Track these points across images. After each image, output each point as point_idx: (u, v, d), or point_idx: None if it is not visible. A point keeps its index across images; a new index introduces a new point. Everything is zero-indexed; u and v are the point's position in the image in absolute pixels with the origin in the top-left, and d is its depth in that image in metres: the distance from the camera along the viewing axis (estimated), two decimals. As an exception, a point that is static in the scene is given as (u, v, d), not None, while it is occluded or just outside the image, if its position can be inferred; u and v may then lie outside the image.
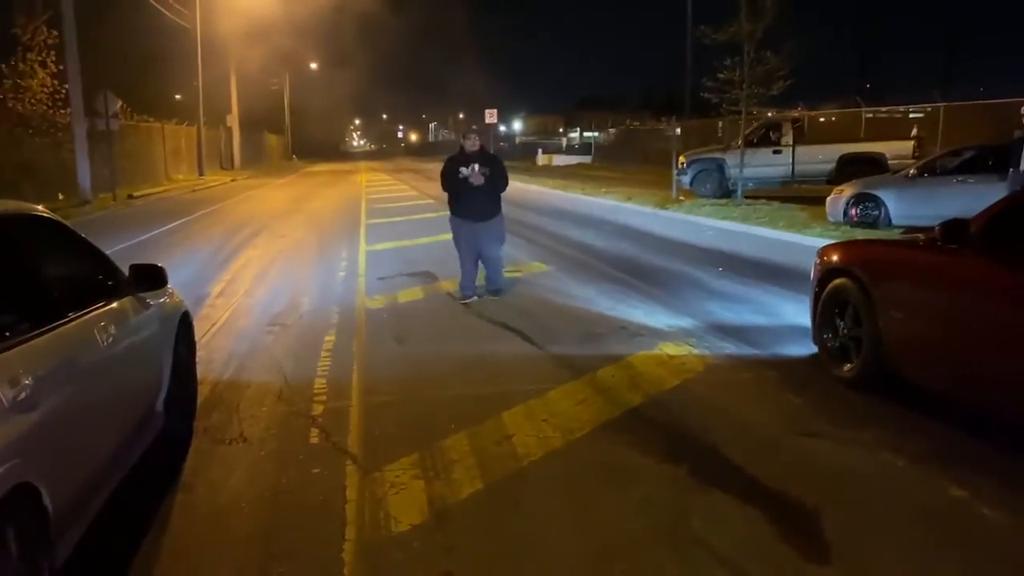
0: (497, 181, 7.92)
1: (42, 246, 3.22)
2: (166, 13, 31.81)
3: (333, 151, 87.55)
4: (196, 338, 6.57)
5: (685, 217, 15.43)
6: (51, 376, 2.59)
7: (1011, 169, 9.35)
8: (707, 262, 10.29)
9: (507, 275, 9.30)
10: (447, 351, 6.14)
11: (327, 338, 6.59)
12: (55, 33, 21.03)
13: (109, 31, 30.51)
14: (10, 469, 2.15)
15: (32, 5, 21.03)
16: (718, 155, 18.82)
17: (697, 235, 13.00)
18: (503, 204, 8.29)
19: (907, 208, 11.91)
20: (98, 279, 3.72)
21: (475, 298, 7.85)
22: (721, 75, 16.34)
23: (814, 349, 5.64)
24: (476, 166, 7.74)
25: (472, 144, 7.95)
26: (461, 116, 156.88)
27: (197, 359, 5.11)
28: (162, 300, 4.44)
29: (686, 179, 18.96)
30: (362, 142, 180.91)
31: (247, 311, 7.72)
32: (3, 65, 20.50)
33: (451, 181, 7.93)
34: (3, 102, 19.98)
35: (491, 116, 38.45)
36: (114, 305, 3.55)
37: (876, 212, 12.17)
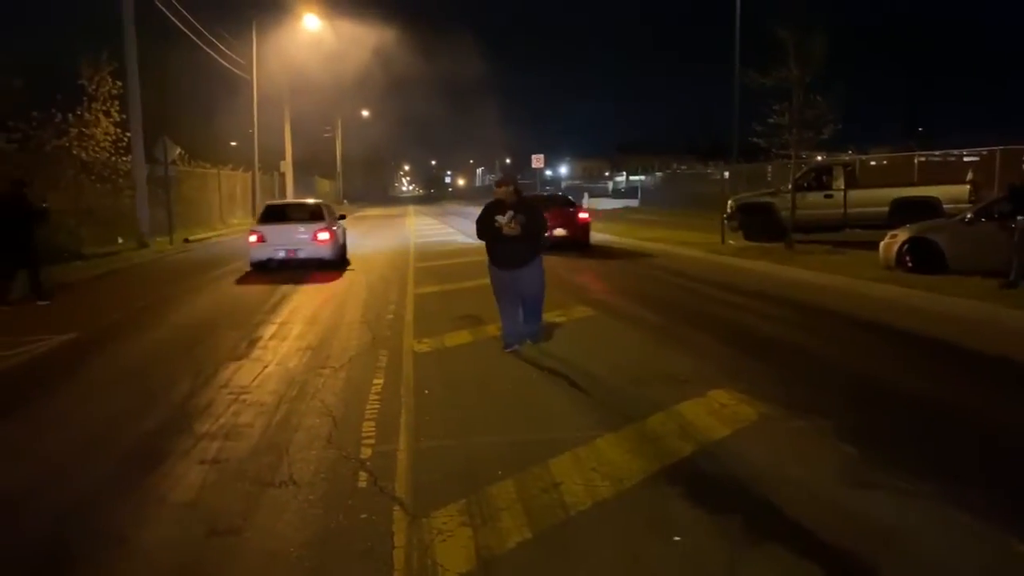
0: (533, 230, 7.56)
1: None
2: (224, 63, 32.87)
3: (383, 196, 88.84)
4: (248, 381, 6.75)
5: (734, 262, 15.29)
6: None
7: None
8: (757, 309, 10.17)
9: (551, 319, 9.32)
10: (493, 396, 6.14)
11: (375, 381, 6.64)
12: (119, 84, 21.87)
13: (170, 81, 31.73)
14: None
15: (98, 57, 21.89)
16: (768, 199, 18.69)
17: (747, 280, 12.86)
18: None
19: (964, 253, 11.65)
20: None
21: (517, 347, 7.72)
22: (770, 119, 16.28)
23: (868, 397, 5.51)
24: (511, 214, 7.44)
25: (502, 193, 7.63)
26: (508, 161, 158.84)
27: (249, 400, 5.16)
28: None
29: (735, 224, 18.83)
30: (411, 187, 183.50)
31: (297, 353, 7.82)
32: (69, 114, 21.32)
33: (486, 229, 7.63)
34: (68, 149, 20.73)
35: (537, 161, 38.82)
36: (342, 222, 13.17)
37: (932, 257, 11.91)
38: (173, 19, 25.18)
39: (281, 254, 14.72)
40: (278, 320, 9.80)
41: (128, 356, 8.02)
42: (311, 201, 17.94)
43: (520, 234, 7.39)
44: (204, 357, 7.78)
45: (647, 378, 6.55)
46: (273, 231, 14.84)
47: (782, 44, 15.63)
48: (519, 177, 7.95)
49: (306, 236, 14.78)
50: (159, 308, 11.04)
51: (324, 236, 14.82)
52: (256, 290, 12.60)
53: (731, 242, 18.13)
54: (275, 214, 15.86)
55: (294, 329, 9.16)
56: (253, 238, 14.81)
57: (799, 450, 4.82)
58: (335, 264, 15.33)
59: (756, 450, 4.80)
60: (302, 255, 14.73)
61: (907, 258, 12.21)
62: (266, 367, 7.28)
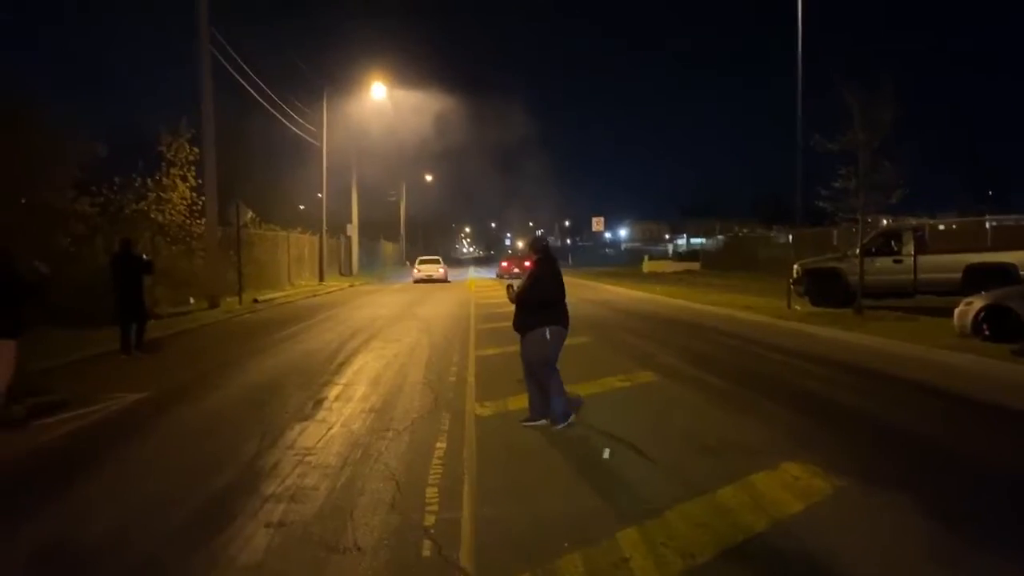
0: (520, 297, 7.19)
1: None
2: (296, 130, 34.07)
3: (445, 257, 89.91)
4: (314, 442, 6.77)
5: (801, 328, 14.95)
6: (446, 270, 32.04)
7: None
8: (827, 376, 9.88)
9: (617, 384, 9.21)
10: (558, 462, 6.04)
11: (438, 445, 6.60)
12: (195, 150, 22.81)
13: (243, 146, 32.99)
14: None
15: (177, 125, 22.92)
16: (835, 264, 18.32)
17: (815, 347, 12.53)
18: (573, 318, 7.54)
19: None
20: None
21: (533, 423, 7.16)
22: (836, 184, 16.06)
23: (949, 471, 5.25)
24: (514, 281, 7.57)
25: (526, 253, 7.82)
26: (567, 224, 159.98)
27: (314, 462, 5.19)
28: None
29: (801, 289, 18.49)
30: (471, 248, 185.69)
31: (361, 415, 7.85)
32: (149, 179, 22.25)
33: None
34: (146, 212, 21.57)
35: (597, 224, 38.98)
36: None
37: (1010, 325, 11.45)
38: (250, 89, 26.27)
39: (423, 277, 37.40)
40: (343, 381, 9.89)
41: (197, 416, 8.15)
42: (436, 256, 42.83)
43: (514, 300, 7.27)
44: (271, 417, 7.86)
45: (716, 447, 6.38)
46: (422, 267, 38.18)
47: (848, 108, 15.53)
48: (547, 239, 7.58)
49: (436, 268, 38.04)
50: (228, 368, 11.25)
51: (442, 270, 38.32)
52: (322, 351, 12.77)
53: (797, 307, 17.78)
54: (423, 261, 39.82)
55: (358, 390, 9.22)
56: (415, 271, 38.43)
57: (877, 526, 4.60)
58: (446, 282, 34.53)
59: (832, 526, 4.60)
60: (435, 278, 37.03)
61: (984, 326, 11.76)
62: (331, 428, 7.32)
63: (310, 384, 9.65)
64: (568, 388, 8.76)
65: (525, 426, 7.17)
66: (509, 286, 7.40)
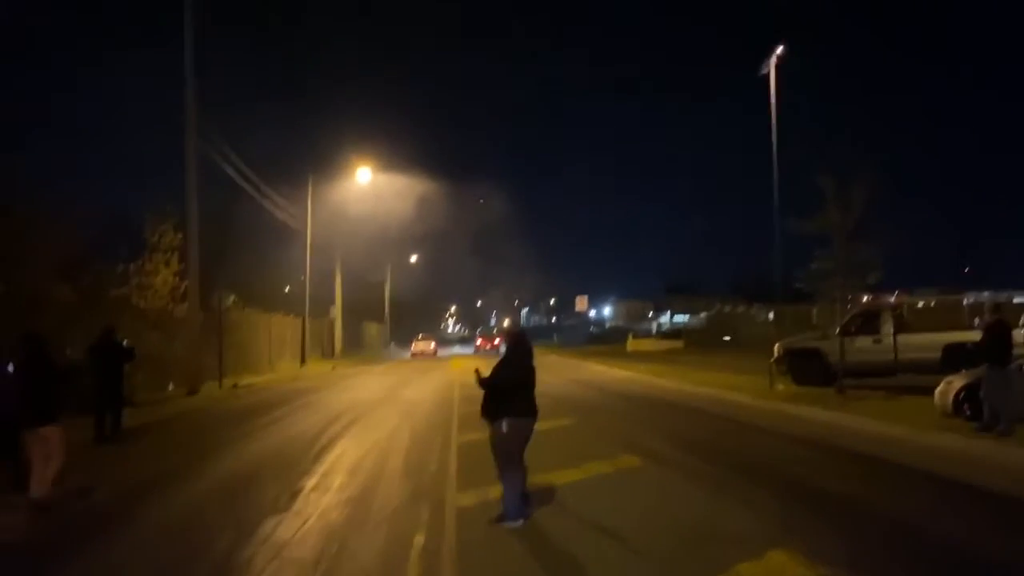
0: (484, 382, 6.93)
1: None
2: (280, 216, 34.30)
3: (415, 339, 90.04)
4: (289, 535, 6.59)
5: (784, 408, 14.90)
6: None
7: None
8: (811, 460, 9.81)
9: (602, 470, 9.09)
10: (541, 553, 5.91)
11: (416, 538, 6.44)
12: (180, 235, 22.88)
13: (227, 229, 33.12)
14: None
15: (162, 210, 23.05)
16: (815, 343, 18.39)
17: (799, 428, 12.47)
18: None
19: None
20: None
21: (506, 523, 6.70)
22: (813, 265, 16.27)
23: (935, 557, 5.16)
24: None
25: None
26: (552, 302, 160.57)
27: (289, 558, 5.02)
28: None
29: (783, 368, 18.52)
30: (457, 327, 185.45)
31: (339, 507, 7.67)
32: (131, 264, 22.26)
33: None
34: (127, 298, 21.48)
35: (581, 303, 39.15)
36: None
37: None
38: (235, 177, 26.56)
39: (419, 351, 52.33)
40: (320, 470, 9.70)
41: (170, 510, 7.93)
42: (429, 336, 58.45)
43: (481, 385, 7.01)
44: (246, 510, 7.66)
45: (702, 536, 6.26)
46: (418, 344, 53.55)
47: (822, 190, 15.86)
48: (520, 327, 7.32)
49: (429, 345, 53.85)
50: (203, 458, 11.00)
51: (433, 346, 54.44)
52: (301, 438, 12.56)
53: (780, 387, 17.77)
54: (419, 340, 54.80)
55: (336, 480, 9.04)
56: (412, 347, 54.23)
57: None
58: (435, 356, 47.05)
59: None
60: (427, 352, 51.17)
61: (964, 405, 11.76)
62: (307, 521, 7.13)
63: (287, 474, 9.46)
64: (551, 474, 8.69)
65: (498, 526, 6.69)
66: (476, 370, 7.20)
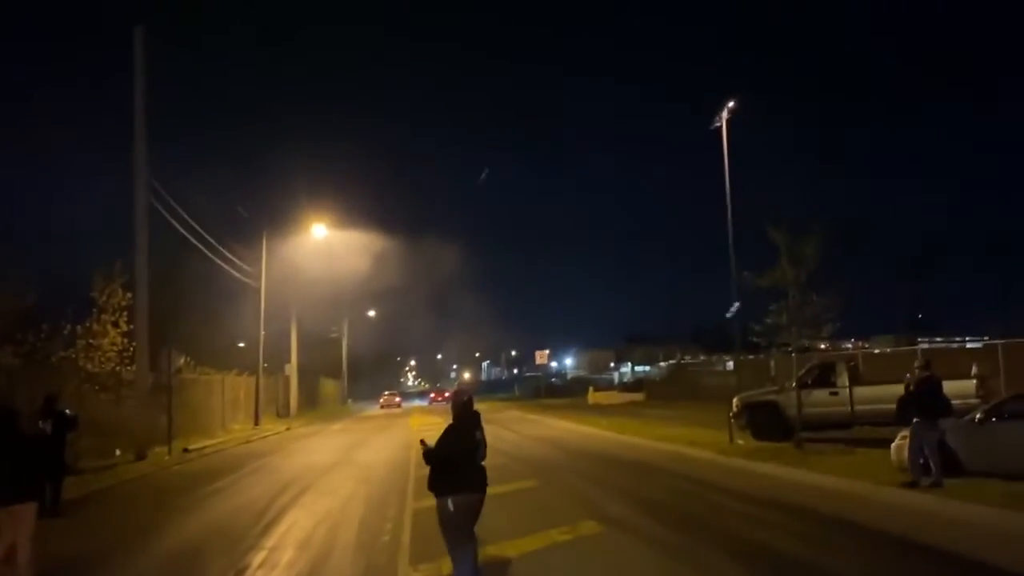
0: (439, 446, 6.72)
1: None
2: (234, 273, 33.82)
3: (383, 394, 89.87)
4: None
5: (745, 465, 14.83)
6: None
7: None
8: (774, 522, 9.69)
9: (559, 538, 8.91)
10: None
11: (366, 623, 6.18)
12: (128, 295, 22.34)
13: (178, 287, 32.54)
14: None
15: (110, 269, 22.54)
16: (772, 397, 18.47)
17: (759, 487, 12.35)
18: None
19: (980, 454, 11.30)
20: None
21: None
22: (768, 319, 16.41)
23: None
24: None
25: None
26: (514, 354, 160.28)
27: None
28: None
29: (742, 422, 18.53)
30: (417, 381, 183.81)
31: (286, 588, 7.36)
32: (79, 326, 21.65)
33: None
34: (74, 361, 20.85)
35: (541, 357, 39.08)
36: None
37: (946, 459, 11.51)
38: (186, 234, 26.16)
39: (385, 403, 61.80)
40: (268, 544, 9.34)
41: (106, 593, 7.54)
42: (395, 391, 70.43)
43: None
44: (186, 594, 7.33)
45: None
46: (385, 398, 63.44)
47: (775, 245, 16.07)
48: (468, 394, 6.98)
49: (394, 399, 63.92)
50: (146, 533, 10.53)
51: (398, 399, 65.46)
52: (249, 508, 12.13)
53: (740, 442, 17.74)
54: (386, 395, 65.35)
55: (285, 555, 8.70)
56: (381, 400, 63.66)
57: None
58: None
59: None
60: (393, 404, 61.29)
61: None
62: (251, 606, 6.82)
63: (233, 549, 9.08)
64: (507, 544, 8.48)
65: None
66: (422, 441, 6.94)
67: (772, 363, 29.78)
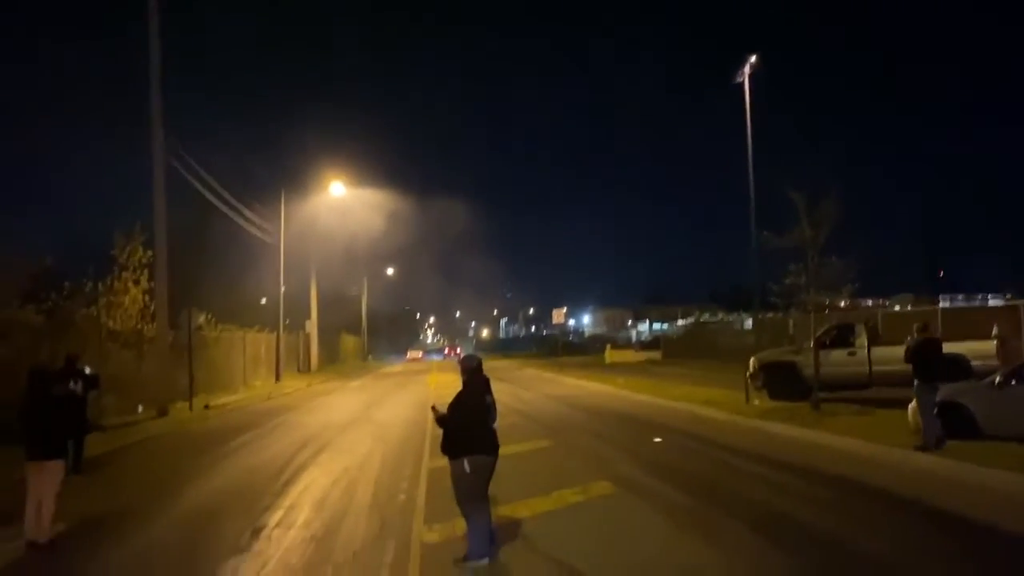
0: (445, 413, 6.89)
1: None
2: (253, 231, 33.90)
3: (408, 350, 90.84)
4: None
5: (760, 425, 14.81)
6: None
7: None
8: (788, 485, 9.65)
9: (572, 499, 8.93)
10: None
11: (380, 582, 6.23)
12: (149, 253, 22.45)
13: (199, 245, 32.71)
14: None
15: (131, 228, 22.65)
16: (791, 357, 18.33)
17: (774, 448, 12.32)
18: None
19: (998, 418, 11.17)
20: None
21: (486, 561, 6.58)
22: (787, 280, 16.23)
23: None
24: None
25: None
26: (531, 311, 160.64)
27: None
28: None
29: (759, 383, 18.45)
30: (436, 338, 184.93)
31: (301, 545, 7.43)
32: (100, 283, 21.80)
33: None
34: (96, 318, 21.04)
35: (558, 316, 38.98)
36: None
37: (963, 422, 11.41)
38: (204, 192, 26.19)
39: (412, 358, 77.80)
40: (285, 503, 9.43)
41: (124, 552, 7.63)
42: (419, 348, 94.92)
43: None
44: (204, 551, 7.42)
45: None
46: (411, 353, 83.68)
47: (794, 205, 15.82)
48: (477, 359, 7.05)
49: (419, 354, 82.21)
50: (166, 491, 10.67)
51: (421, 354, 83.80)
52: (268, 466, 12.26)
53: (756, 402, 17.69)
54: (412, 349, 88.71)
55: (301, 515, 8.78)
56: (408, 355, 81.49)
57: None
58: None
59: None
60: (419, 358, 78.03)
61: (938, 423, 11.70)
62: (267, 564, 6.89)
63: (251, 508, 9.18)
64: (520, 504, 8.52)
65: (462, 565, 6.55)
66: (433, 407, 7.03)
67: (791, 322, 29.56)
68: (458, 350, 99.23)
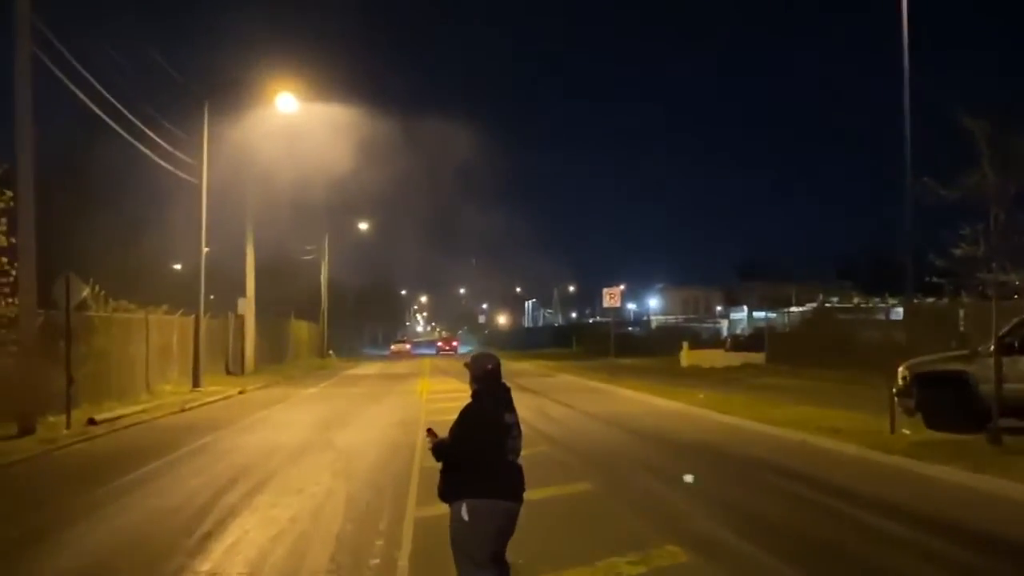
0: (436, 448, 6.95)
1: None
2: (163, 163, 33.90)
3: (392, 339, 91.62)
4: None
5: (911, 467, 14.71)
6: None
7: None
8: (956, 564, 9.56)
9: (625, 568, 8.92)
10: None
11: None
12: (8, 194, 22.53)
13: (84, 187, 32.93)
14: None
15: (-18, 159, 22.72)
16: (960, 366, 18.17)
17: (934, 504, 12.22)
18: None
19: None
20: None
21: None
22: (957, 249, 16.03)
23: None
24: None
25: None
26: (571, 290, 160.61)
27: None
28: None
29: (910, 403, 18.30)
30: (430, 326, 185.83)
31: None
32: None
33: None
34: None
35: (611, 298, 38.83)
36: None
37: None
38: (90, 104, 26.21)
39: (395, 351, 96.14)
40: (205, 566, 9.50)
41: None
42: (404, 340, 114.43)
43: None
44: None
45: None
46: (395, 347, 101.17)
47: (971, 139, 15.60)
48: (493, 360, 6.87)
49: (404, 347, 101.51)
50: (23, 549, 10.77)
51: (408, 347, 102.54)
52: (180, 512, 12.35)
53: (905, 431, 17.58)
54: (396, 342, 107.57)
55: (223, 590, 8.86)
56: (392, 347, 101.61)
57: None
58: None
59: None
60: (403, 352, 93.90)
61: None
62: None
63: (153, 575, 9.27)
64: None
65: None
66: (429, 430, 7.00)
67: (960, 313, 29.36)
68: (455, 343, 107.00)
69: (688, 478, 13.78)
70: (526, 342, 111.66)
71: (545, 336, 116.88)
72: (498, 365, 7.01)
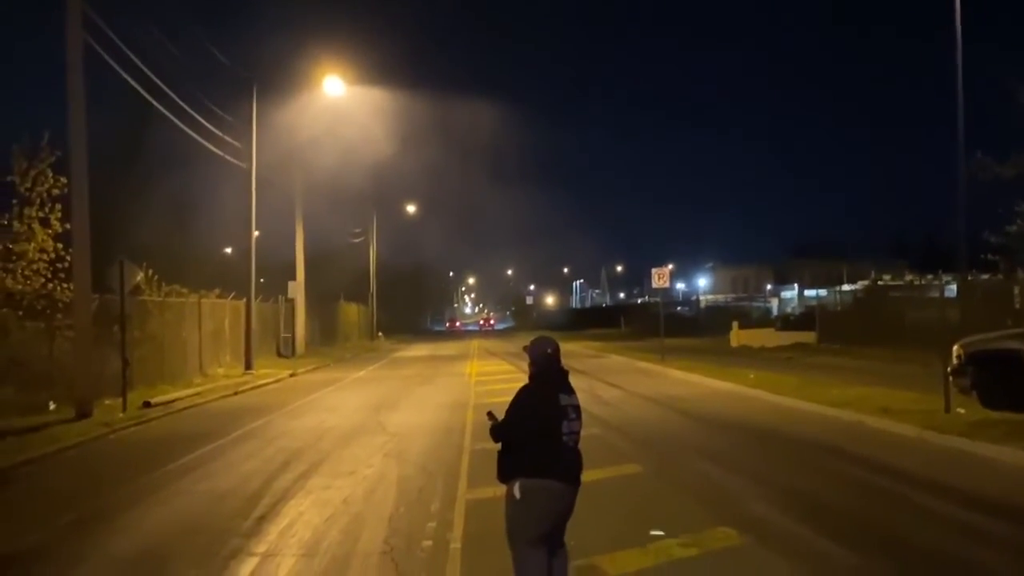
0: (496, 428, 6.99)
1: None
2: (212, 148, 34.08)
3: (441, 319, 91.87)
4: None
5: (966, 448, 14.54)
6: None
7: None
8: (1013, 544, 9.47)
9: (678, 553, 8.92)
10: None
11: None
12: (62, 180, 22.72)
13: (137, 173, 33.20)
14: None
15: (35, 146, 22.87)
16: (1016, 344, 17.94)
17: (992, 485, 12.07)
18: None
19: None
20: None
21: None
22: (1013, 227, 15.86)
23: None
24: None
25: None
26: (619, 270, 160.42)
27: None
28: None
29: (965, 382, 18.09)
30: (478, 307, 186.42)
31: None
32: (-7, 224, 22.25)
33: None
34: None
35: (660, 278, 38.63)
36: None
37: None
38: (142, 92, 26.40)
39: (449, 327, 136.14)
40: (261, 548, 9.61)
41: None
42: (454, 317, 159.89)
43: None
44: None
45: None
46: (450, 322, 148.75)
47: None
48: (552, 344, 6.87)
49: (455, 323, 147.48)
50: (85, 529, 10.93)
51: (460, 323, 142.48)
52: (235, 494, 12.50)
53: (960, 410, 17.38)
54: (449, 318, 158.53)
55: (282, 566, 8.95)
56: (447, 324, 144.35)
57: None
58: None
59: None
60: (457, 327, 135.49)
61: None
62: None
63: (210, 558, 9.36)
64: (598, 557, 8.56)
65: None
66: (489, 413, 7.04)
67: (1015, 290, 28.94)
68: (492, 322, 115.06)
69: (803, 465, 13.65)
70: (574, 323, 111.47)
71: (593, 317, 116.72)
72: (557, 349, 7.02)
